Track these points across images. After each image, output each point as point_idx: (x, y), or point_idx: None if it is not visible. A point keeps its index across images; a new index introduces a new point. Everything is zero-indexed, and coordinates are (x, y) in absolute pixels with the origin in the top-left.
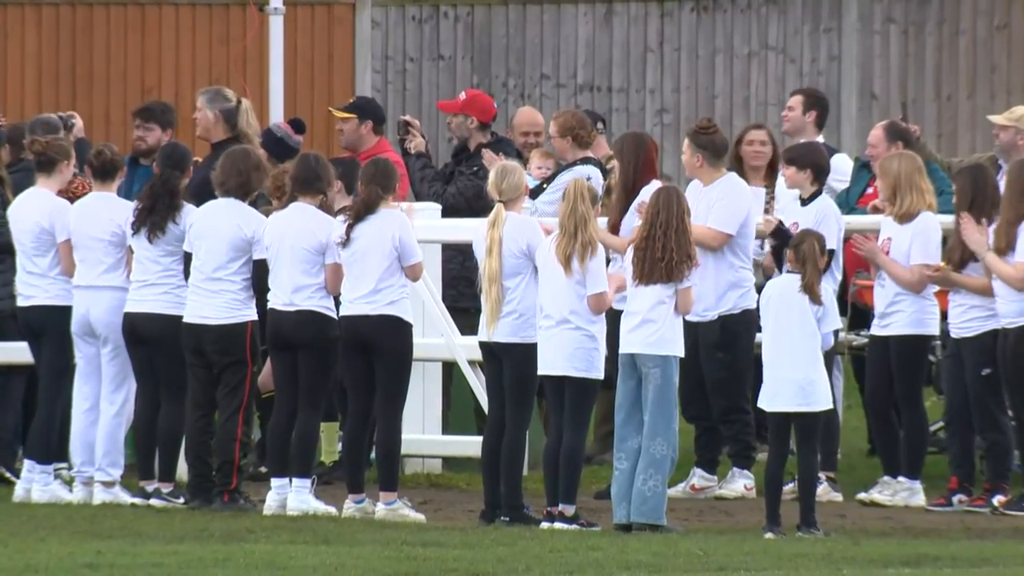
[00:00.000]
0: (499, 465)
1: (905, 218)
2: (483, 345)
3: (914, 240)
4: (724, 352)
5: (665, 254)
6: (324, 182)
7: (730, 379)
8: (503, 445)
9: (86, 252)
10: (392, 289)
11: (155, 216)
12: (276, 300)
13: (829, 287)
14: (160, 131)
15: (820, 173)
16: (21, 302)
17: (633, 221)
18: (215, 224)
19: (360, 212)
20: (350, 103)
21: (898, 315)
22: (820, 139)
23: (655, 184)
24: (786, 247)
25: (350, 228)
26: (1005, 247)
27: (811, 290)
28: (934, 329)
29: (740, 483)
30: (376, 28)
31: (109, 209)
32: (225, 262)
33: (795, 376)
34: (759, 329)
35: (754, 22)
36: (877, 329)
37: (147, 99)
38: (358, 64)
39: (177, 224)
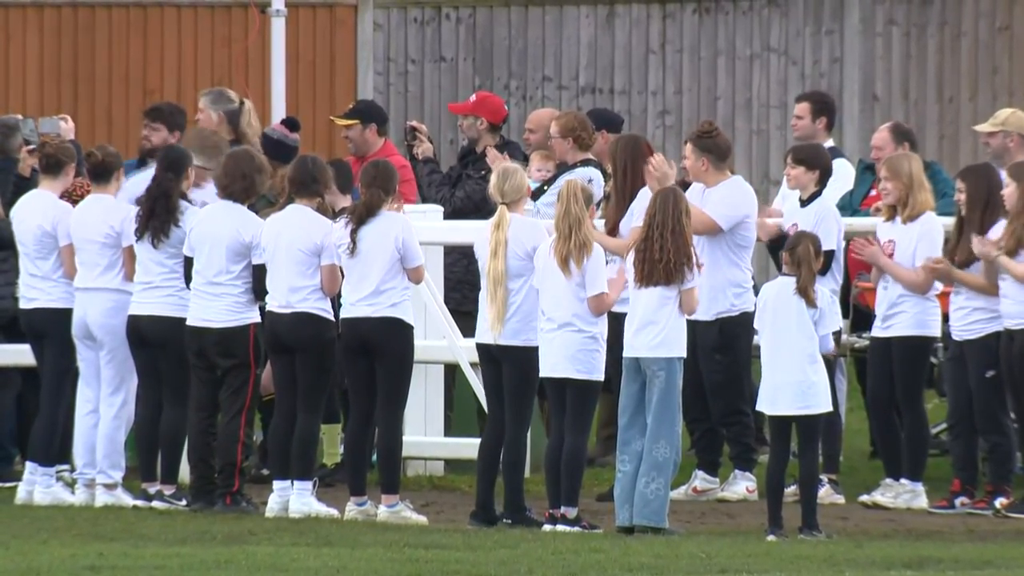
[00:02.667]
0: (495, 467)
1: (911, 218)
2: (481, 347)
3: (921, 240)
4: (722, 355)
5: (663, 256)
6: (321, 184)
7: (728, 381)
8: (504, 447)
9: (83, 255)
10: (394, 291)
11: (156, 220)
12: (273, 302)
13: (829, 289)
14: (167, 132)
15: (826, 175)
16: (23, 304)
17: (631, 223)
18: (214, 229)
19: (362, 216)
20: (350, 109)
21: (901, 316)
22: (830, 142)
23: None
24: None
25: (354, 232)
26: (1015, 248)
27: (805, 293)
28: (936, 331)
29: (742, 485)
30: (378, 30)
31: (102, 211)
32: (225, 267)
33: (794, 378)
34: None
35: (756, 24)
36: (879, 330)
37: (149, 100)
38: (360, 66)
39: (179, 227)
